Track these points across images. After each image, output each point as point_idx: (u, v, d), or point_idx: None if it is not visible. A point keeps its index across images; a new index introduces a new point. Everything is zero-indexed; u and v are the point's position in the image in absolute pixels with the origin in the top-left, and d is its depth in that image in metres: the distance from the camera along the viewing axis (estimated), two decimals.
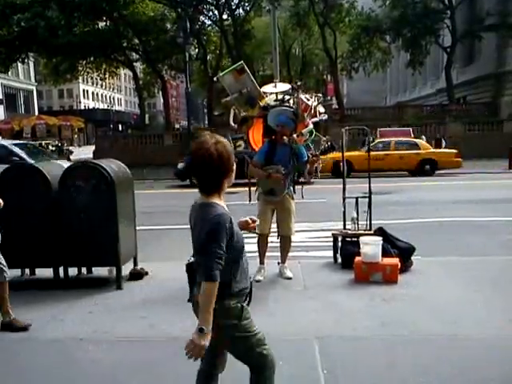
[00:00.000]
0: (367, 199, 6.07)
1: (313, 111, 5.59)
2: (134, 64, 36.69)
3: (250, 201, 5.72)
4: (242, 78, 5.66)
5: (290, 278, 5.45)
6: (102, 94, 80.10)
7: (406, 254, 5.65)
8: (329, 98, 31.92)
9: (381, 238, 5.40)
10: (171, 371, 3.43)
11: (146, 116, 43.79)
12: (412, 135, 21.29)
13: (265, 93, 5.84)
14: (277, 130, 5.39)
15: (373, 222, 6.03)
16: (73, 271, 5.59)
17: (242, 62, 6.00)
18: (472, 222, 8.74)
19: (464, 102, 33.61)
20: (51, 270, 5.32)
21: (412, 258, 5.72)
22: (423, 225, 8.60)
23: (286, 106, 5.53)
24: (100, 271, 5.64)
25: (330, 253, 6.13)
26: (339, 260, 5.96)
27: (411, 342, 3.81)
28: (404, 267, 5.50)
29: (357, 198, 6.06)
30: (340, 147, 6.21)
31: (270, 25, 25.98)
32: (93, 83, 69.53)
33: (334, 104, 34.05)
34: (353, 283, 5.26)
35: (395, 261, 5.32)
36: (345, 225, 6.15)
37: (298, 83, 5.83)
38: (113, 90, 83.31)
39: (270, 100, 5.71)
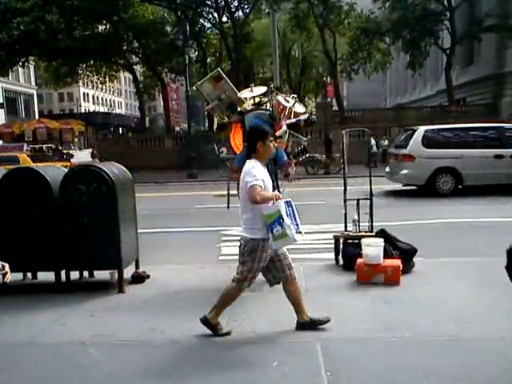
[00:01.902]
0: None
1: (287, 112, 5.58)
2: (134, 67, 36.74)
3: (228, 207, 5.78)
4: (220, 84, 5.72)
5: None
6: (102, 98, 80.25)
7: (407, 255, 5.65)
8: (329, 99, 31.93)
9: (382, 240, 5.40)
10: (173, 374, 3.43)
11: (147, 119, 43.80)
12: (26, 149, 20.08)
13: (245, 98, 5.86)
14: None
15: (374, 223, 6.03)
16: (74, 275, 5.60)
17: (219, 69, 6.08)
18: (474, 222, 8.74)
19: (464, 104, 33.59)
20: (53, 273, 5.32)
21: (414, 259, 5.72)
22: (425, 226, 8.60)
23: (263, 109, 5.55)
24: (102, 275, 5.64)
25: (332, 255, 6.13)
26: (341, 262, 5.96)
27: (414, 343, 3.81)
28: (406, 269, 5.50)
29: (358, 200, 6.06)
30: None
31: (269, 27, 26.07)
32: (93, 87, 69.70)
33: (333, 106, 34.10)
34: (355, 285, 5.26)
35: (397, 262, 5.31)
36: (346, 227, 6.15)
37: (271, 85, 5.83)
38: (113, 93, 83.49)
39: (247, 104, 5.75)
